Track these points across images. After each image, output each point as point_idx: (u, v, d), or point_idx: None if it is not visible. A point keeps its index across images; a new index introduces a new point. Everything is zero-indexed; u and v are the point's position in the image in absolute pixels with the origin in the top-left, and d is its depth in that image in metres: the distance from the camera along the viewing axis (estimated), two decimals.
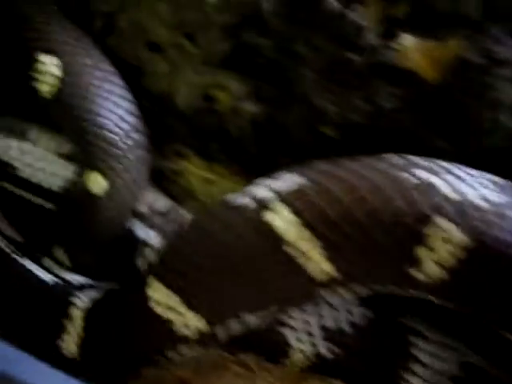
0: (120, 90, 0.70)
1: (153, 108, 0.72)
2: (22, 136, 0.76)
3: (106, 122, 0.66)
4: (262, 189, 0.50)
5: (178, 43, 0.69)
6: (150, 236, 0.67)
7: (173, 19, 0.69)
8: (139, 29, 0.73)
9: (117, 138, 0.66)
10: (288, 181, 0.49)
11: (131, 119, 0.68)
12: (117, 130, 0.66)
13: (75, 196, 0.73)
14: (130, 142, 0.66)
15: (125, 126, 0.66)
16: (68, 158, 0.75)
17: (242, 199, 0.50)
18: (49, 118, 0.75)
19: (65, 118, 0.69)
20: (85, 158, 0.69)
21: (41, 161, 0.76)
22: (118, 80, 0.71)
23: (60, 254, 0.70)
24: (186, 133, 0.74)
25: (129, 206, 0.68)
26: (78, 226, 0.70)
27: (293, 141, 0.67)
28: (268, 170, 0.54)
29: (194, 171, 0.75)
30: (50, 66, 0.67)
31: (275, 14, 0.64)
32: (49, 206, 0.76)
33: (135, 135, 0.67)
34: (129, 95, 0.70)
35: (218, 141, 0.72)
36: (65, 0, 0.78)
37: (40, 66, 0.68)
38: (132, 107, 0.69)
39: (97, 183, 0.67)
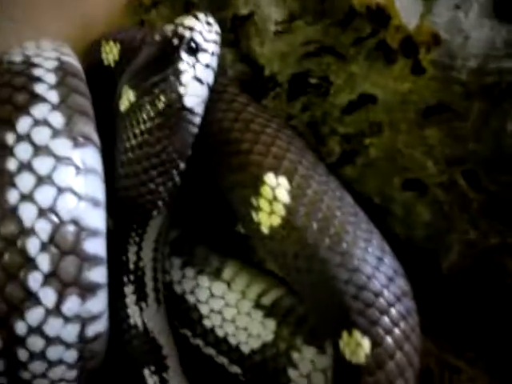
0: (368, 224, 0.52)
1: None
2: (215, 274, 0.60)
3: (359, 263, 0.48)
4: None
5: (451, 184, 0.49)
6: None
7: (446, 150, 0.49)
8: (394, 159, 0.54)
9: (378, 283, 0.47)
10: None
11: (389, 259, 0.49)
12: (376, 273, 0.47)
13: (274, 366, 0.55)
14: (394, 289, 0.47)
15: (384, 268, 0.48)
16: (270, 311, 0.54)
17: None
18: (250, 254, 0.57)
19: (288, 258, 0.49)
20: (329, 314, 0.49)
21: (233, 309, 0.59)
22: (361, 213, 0.53)
23: None
24: (438, 303, 0.52)
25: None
26: None
27: None
28: None
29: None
30: (277, 189, 0.49)
31: None
32: (234, 370, 0.59)
33: (398, 279, 0.48)
34: (377, 231, 0.52)
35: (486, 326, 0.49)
36: (290, 116, 0.62)
37: (264, 190, 0.49)
38: (386, 246, 0.51)
39: (355, 347, 0.46)
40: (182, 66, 0.55)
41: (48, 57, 0.56)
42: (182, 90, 0.54)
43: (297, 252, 0.50)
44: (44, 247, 0.47)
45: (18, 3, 0.94)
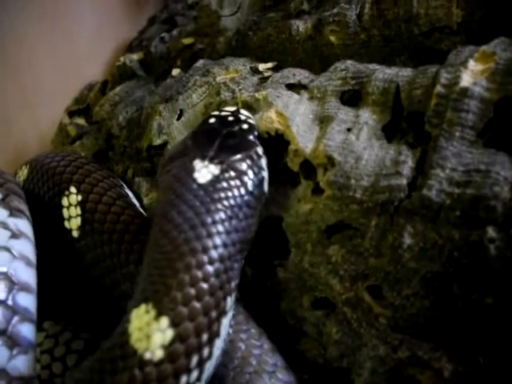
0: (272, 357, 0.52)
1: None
2: None
3: None
4: None
5: (358, 300, 0.50)
6: None
7: (350, 267, 0.50)
8: (302, 279, 0.54)
9: None
10: None
11: None
12: None
13: None
14: None
15: None
16: None
17: None
18: None
19: None
20: None
21: None
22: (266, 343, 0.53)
23: None
24: None
25: None
26: None
27: None
28: None
29: None
30: None
31: (502, 259, 0.45)
32: None
33: None
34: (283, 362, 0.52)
35: None
36: None
37: None
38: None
39: None
40: (260, 150, 0.56)
41: None
42: (264, 173, 0.55)
43: None
44: None
45: None
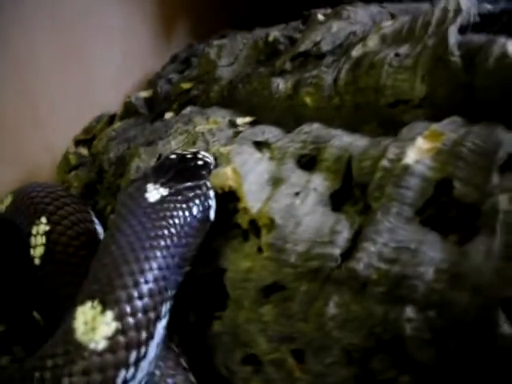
0: None
1: None
2: None
3: None
4: None
5: (280, 361, 0.51)
6: None
7: (279, 329, 0.52)
8: (236, 334, 0.56)
9: None
10: None
11: None
12: None
13: None
14: None
15: None
16: None
17: None
18: None
19: None
20: None
21: None
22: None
23: None
24: None
25: None
26: None
27: None
28: None
29: None
30: None
31: (418, 340, 0.44)
32: None
33: None
34: None
35: None
36: None
37: None
38: None
39: None
40: (209, 183, 0.62)
41: None
42: (210, 202, 0.61)
43: None
44: None
45: None
